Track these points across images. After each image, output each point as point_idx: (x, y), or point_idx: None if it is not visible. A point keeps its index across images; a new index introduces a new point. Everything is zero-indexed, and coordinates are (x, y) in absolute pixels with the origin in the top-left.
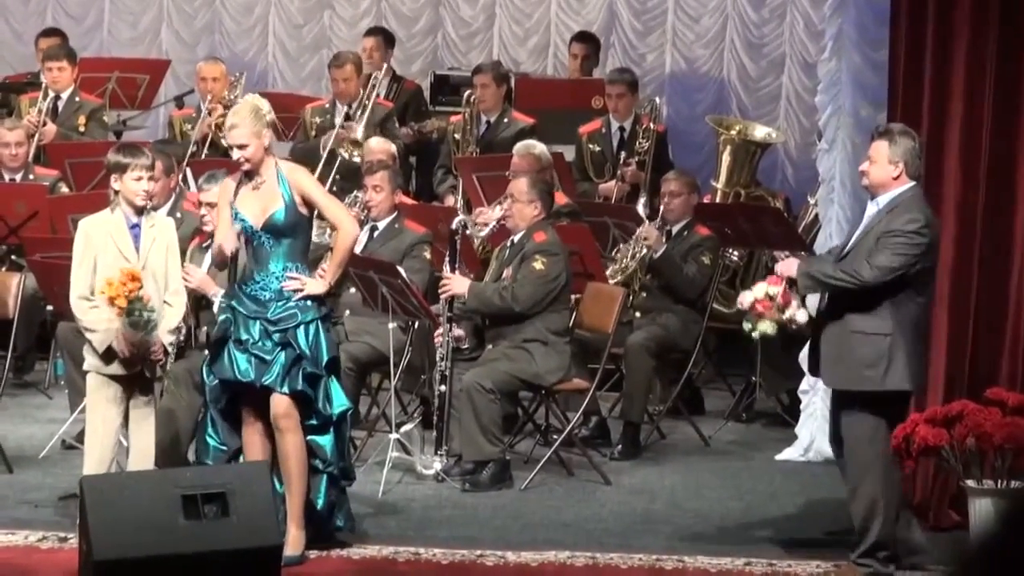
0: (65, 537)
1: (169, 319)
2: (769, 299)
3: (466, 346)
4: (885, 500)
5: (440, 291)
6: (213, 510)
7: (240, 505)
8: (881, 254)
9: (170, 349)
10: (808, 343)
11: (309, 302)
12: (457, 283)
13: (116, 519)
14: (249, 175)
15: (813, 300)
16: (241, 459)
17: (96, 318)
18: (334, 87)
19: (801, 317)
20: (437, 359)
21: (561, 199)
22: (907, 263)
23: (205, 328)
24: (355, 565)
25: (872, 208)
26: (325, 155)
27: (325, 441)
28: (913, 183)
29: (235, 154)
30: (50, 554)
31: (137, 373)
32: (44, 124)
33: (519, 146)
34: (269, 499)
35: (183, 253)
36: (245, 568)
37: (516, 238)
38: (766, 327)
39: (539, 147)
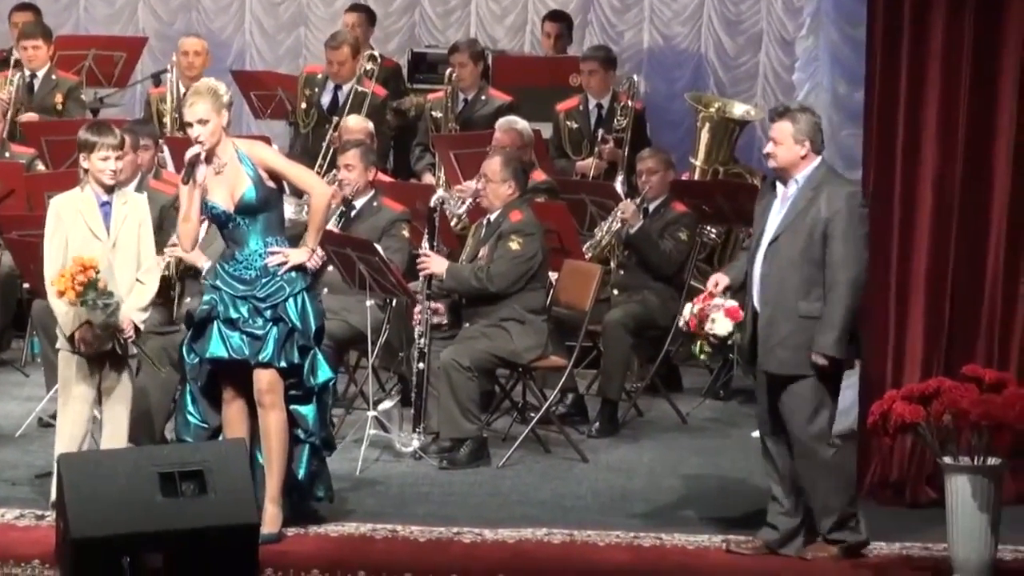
0: (42, 515)
1: (141, 296)
2: (694, 316)
3: (444, 322)
4: (844, 473)
5: (418, 269)
6: (191, 488)
7: (218, 483)
8: (850, 244)
9: (141, 327)
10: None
11: (294, 273)
12: (435, 262)
13: (93, 497)
14: (208, 159)
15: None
16: (221, 437)
17: (61, 302)
18: (328, 68)
19: (718, 329)
20: (415, 337)
21: (539, 176)
22: (868, 236)
23: (189, 299)
24: (332, 542)
25: (790, 188)
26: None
27: (308, 411)
28: (821, 157)
29: (194, 131)
30: (27, 532)
31: (108, 351)
32: (20, 105)
33: (502, 121)
34: (247, 477)
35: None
36: (222, 545)
37: (492, 217)
38: (703, 344)
39: (521, 123)
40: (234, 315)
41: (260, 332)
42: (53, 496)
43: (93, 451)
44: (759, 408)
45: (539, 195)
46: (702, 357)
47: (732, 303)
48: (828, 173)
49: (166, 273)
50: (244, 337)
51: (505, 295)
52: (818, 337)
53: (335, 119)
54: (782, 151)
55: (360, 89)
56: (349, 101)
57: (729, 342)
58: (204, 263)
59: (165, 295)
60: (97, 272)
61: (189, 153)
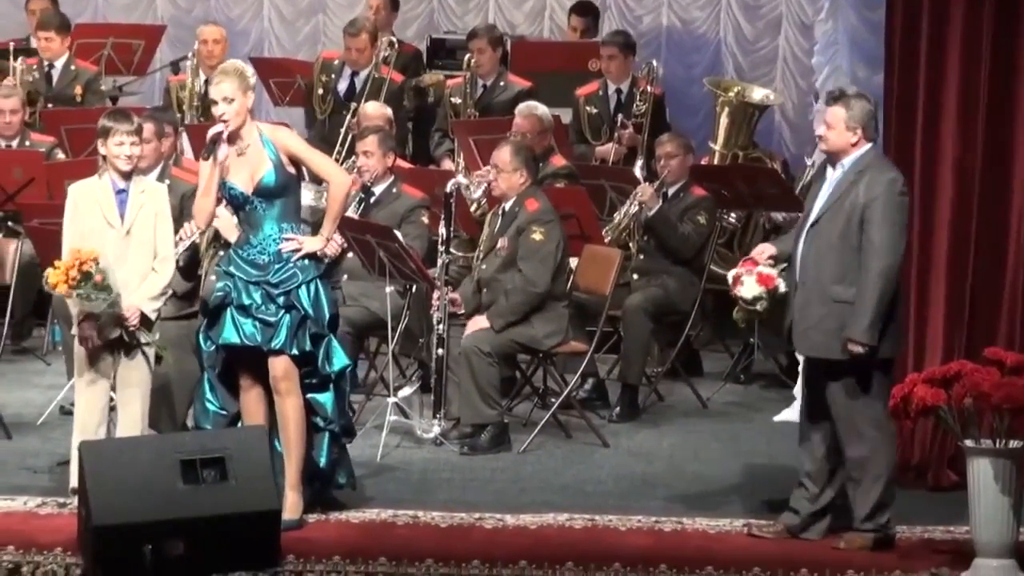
0: (64, 503)
1: (153, 286)
2: (733, 280)
3: (462, 311)
4: (883, 463)
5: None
6: (212, 475)
7: (239, 469)
8: (886, 232)
9: (152, 316)
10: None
11: (307, 260)
12: (476, 324)
13: (115, 484)
14: (231, 139)
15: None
16: (240, 424)
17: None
18: (347, 55)
19: (744, 292)
20: (434, 323)
21: (559, 161)
22: (906, 225)
23: (212, 277)
24: (354, 529)
25: (837, 172)
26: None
27: (326, 399)
28: (872, 144)
29: (219, 109)
30: (49, 519)
31: (117, 339)
32: (33, 91)
33: (522, 107)
34: (267, 463)
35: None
36: (244, 532)
37: (507, 206)
38: (737, 312)
39: (541, 108)
40: (247, 301)
41: (272, 319)
42: (73, 483)
43: (114, 439)
44: (803, 391)
45: (559, 180)
46: (742, 325)
47: (769, 270)
48: (875, 159)
49: (197, 241)
50: (257, 324)
51: (549, 292)
52: (850, 324)
53: (352, 105)
54: (833, 136)
55: (377, 75)
56: (367, 87)
57: (757, 307)
58: (235, 238)
59: (192, 273)
60: (97, 264)
61: (212, 131)
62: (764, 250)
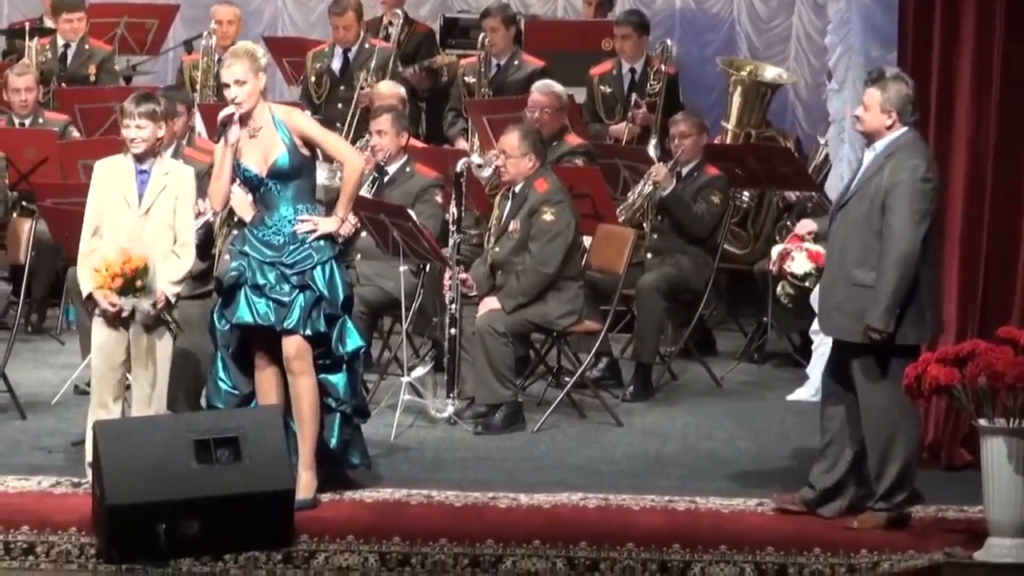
0: (79, 482)
1: (175, 270)
2: (779, 256)
3: (473, 293)
4: (902, 445)
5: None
6: (225, 454)
7: (252, 449)
8: (904, 218)
9: (173, 299)
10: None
11: (323, 242)
12: (488, 304)
13: (129, 464)
14: (243, 121)
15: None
16: (253, 403)
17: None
18: (334, 33)
19: (795, 267)
20: (447, 302)
21: (574, 139)
22: (927, 212)
23: (227, 256)
24: (367, 508)
25: (869, 154)
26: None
27: (338, 380)
28: (907, 128)
29: (230, 92)
30: (64, 499)
31: (131, 317)
32: (45, 71)
33: (539, 84)
34: (282, 443)
35: None
36: (257, 512)
37: (516, 188)
38: (784, 286)
39: (558, 86)
40: (261, 281)
41: (286, 299)
42: (89, 458)
43: (128, 418)
44: (825, 367)
45: (576, 158)
46: (784, 301)
47: (816, 247)
48: (907, 144)
49: (211, 219)
50: (270, 303)
51: (560, 274)
52: (869, 310)
53: (360, 75)
54: (868, 117)
55: (367, 46)
56: (371, 60)
57: (807, 283)
58: (250, 217)
59: (206, 252)
60: (145, 271)
61: (223, 113)
62: (805, 225)
